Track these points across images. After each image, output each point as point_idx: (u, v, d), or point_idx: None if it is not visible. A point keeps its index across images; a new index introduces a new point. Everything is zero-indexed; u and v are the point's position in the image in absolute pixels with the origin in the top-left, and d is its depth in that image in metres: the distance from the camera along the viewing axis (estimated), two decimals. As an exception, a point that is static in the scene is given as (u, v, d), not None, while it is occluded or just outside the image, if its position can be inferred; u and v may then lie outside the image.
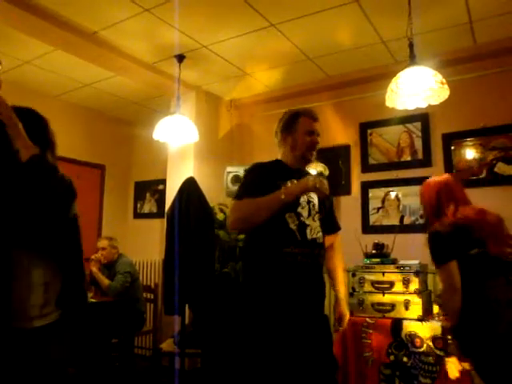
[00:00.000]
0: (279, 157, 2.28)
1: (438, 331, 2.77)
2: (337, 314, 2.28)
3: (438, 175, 2.52)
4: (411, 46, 2.85)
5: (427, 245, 2.26)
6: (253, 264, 2.14)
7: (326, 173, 4.21)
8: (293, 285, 2.04)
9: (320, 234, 2.15)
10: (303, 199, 2.13)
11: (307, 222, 2.11)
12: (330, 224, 2.35)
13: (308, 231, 2.10)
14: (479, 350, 2.00)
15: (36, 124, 1.63)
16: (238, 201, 2.07)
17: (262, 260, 2.09)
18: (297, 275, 2.05)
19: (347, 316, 2.28)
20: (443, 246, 2.14)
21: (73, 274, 1.63)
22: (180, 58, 3.85)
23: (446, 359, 2.12)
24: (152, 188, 5.60)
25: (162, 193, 5.09)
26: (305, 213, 2.12)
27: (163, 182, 4.88)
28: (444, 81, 2.69)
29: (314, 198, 2.18)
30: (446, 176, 2.49)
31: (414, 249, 3.42)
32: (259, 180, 2.12)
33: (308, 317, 2.08)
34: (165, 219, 3.38)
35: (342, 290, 2.31)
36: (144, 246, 5.29)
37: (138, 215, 5.74)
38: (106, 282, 4.13)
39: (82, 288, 1.72)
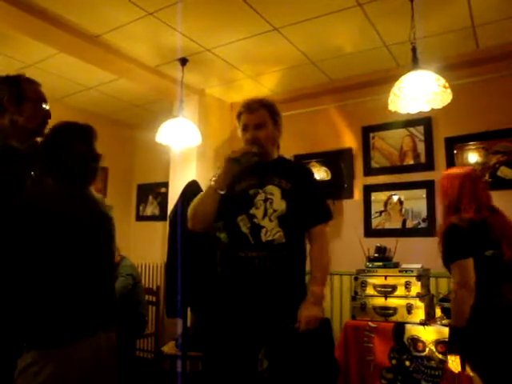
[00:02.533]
0: None
1: (441, 335, 2.77)
2: (298, 315, 1.95)
3: (459, 168, 2.43)
4: (414, 50, 2.87)
5: (441, 238, 2.14)
6: (219, 270, 2.10)
7: (328, 177, 4.24)
8: (252, 288, 1.96)
9: (279, 234, 1.97)
10: (259, 197, 2.01)
11: (262, 224, 1.98)
12: (309, 215, 2.07)
13: (262, 233, 1.97)
14: (487, 354, 1.97)
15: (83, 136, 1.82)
16: None
17: (222, 265, 2.07)
18: (256, 279, 1.95)
19: (306, 317, 1.90)
20: (461, 241, 2.05)
21: None
22: (183, 61, 3.86)
23: (449, 357, 2.06)
24: (154, 191, 5.59)
25: (165, 196, 5.08)
26: (259, 214, 1.99)
27: (166, 184, 4.88)
28: (447, 85, 2.70)
29: (275, 195, 2.01)
30: (468, 169, 2.39)
31: (416, 253, 3.44)
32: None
33: (276, 320, 1.94)
34: (167, 222, 3.39)
35: (312, 290, 1.98)
36: (146, 249, 5.28)
37: (140, 218, 5.74)
38: (107, 284, 4.12)
39: None
